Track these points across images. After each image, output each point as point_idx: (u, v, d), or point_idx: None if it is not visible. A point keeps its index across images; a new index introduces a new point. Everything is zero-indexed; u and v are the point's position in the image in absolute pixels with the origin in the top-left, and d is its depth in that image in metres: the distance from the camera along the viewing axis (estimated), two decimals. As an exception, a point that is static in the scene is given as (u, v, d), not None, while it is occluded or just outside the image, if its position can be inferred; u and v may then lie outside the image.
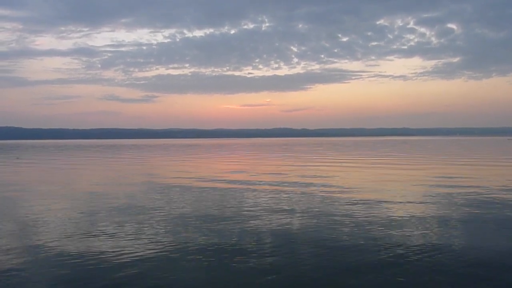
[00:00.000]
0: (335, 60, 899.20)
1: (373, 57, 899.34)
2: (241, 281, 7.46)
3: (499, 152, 58.15)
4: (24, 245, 9.82)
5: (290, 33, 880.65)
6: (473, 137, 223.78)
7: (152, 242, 10.00)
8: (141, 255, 8.91)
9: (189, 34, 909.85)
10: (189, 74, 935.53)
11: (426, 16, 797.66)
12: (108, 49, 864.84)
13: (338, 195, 17.28)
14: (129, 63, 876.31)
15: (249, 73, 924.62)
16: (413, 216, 12.72)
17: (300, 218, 12.73)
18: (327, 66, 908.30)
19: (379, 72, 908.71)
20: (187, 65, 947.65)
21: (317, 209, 14.00)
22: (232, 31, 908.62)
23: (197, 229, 11.32)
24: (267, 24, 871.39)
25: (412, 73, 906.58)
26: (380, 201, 15.46)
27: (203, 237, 10.43)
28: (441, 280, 7.39)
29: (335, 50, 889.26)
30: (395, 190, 18.63)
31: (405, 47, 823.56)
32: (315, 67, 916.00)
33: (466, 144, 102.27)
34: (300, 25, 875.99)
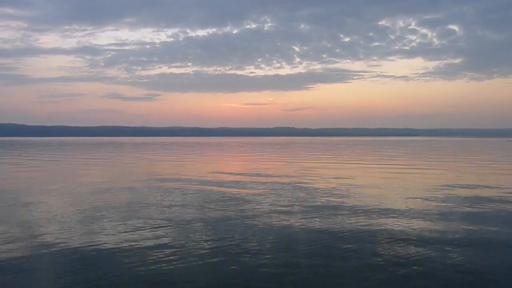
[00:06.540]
0: (337, 60, 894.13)
1: (375, 58, 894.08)
2: (241, 279, 7.48)
3: None
4: (27, 242, 9.83)
5: (292, 34, 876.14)
6: (475, 138, 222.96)
7: (154, 238, 10.04)
8: (143, 252, 8.93)
9: (192, 34, 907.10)
10: (192, 73, 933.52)
11: (428, 17, 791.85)
12: (111, 47, 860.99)
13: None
14: (132, 62, 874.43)
15: (251, 72, 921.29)
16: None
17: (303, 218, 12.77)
18: (329, 66, 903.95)
19: (381, 72, 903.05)
20: (189, 64, 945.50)
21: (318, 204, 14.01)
22: (235, 31, 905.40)
23: (198, 226, 11.34)
24: (269, 25, 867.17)
25: (413, 74, 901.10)
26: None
27: (205, 234, 10.46)
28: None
29: (337, 50, 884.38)
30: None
31: (407, 47, 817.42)
32: (317, 67, 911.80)
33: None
34: (302, 26, 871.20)
